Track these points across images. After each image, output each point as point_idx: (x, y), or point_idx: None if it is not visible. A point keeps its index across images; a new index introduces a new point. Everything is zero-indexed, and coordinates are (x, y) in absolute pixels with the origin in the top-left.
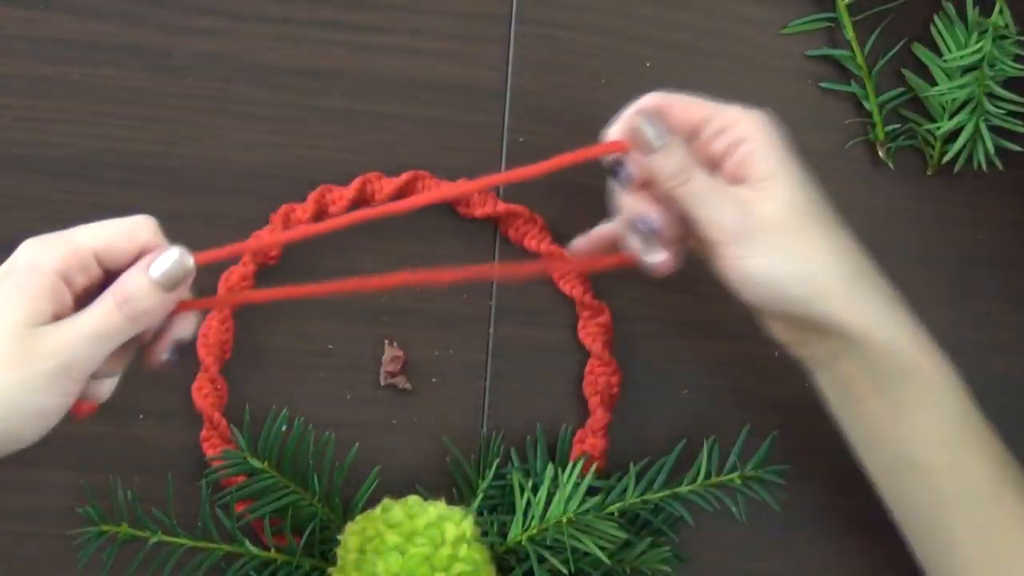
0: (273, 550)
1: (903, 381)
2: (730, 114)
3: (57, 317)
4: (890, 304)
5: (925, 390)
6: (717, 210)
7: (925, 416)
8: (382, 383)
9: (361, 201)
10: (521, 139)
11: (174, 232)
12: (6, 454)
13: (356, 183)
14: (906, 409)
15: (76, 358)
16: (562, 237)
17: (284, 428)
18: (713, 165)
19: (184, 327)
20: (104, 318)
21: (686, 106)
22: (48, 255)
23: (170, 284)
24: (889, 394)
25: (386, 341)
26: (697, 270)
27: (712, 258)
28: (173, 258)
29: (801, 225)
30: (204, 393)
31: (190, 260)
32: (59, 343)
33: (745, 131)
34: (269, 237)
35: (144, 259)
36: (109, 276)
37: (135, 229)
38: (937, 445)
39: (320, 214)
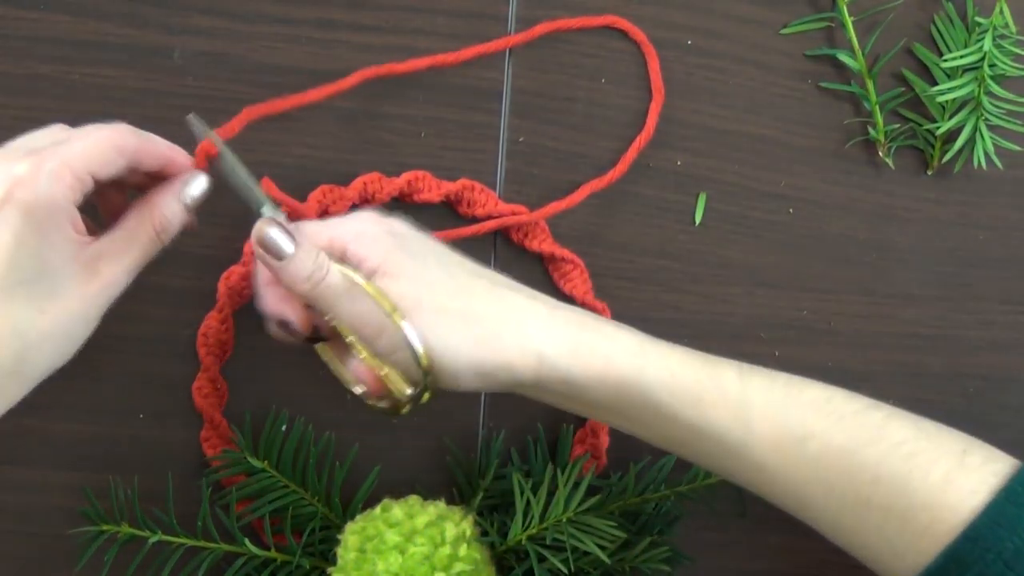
0: (273, 550)
1: (599, 401)
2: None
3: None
4: (554, 330)
5: (626, 403)
6: (359, 300)
7: (637, 419)
8: None
9: (362, 201)
10: (521, 139)
11: None
12: (42, 379)
13: (356, 184)
14: (618, 415)
15: (117, 285)
16: (561, 236)
17: (284, 428)
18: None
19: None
20: (142, 246)
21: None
22: (60, 186)
23: (197, 206)
24: (604, 412)
25: None
26: (697, 270)
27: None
28: (203, 186)
29: (423, 306)
30: (204, 393)
31: (210, 182)
32: (102, 276)
33: (344, 241)
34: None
35: (174, 186)
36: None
37: (120, 142)
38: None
39: (321, 215)
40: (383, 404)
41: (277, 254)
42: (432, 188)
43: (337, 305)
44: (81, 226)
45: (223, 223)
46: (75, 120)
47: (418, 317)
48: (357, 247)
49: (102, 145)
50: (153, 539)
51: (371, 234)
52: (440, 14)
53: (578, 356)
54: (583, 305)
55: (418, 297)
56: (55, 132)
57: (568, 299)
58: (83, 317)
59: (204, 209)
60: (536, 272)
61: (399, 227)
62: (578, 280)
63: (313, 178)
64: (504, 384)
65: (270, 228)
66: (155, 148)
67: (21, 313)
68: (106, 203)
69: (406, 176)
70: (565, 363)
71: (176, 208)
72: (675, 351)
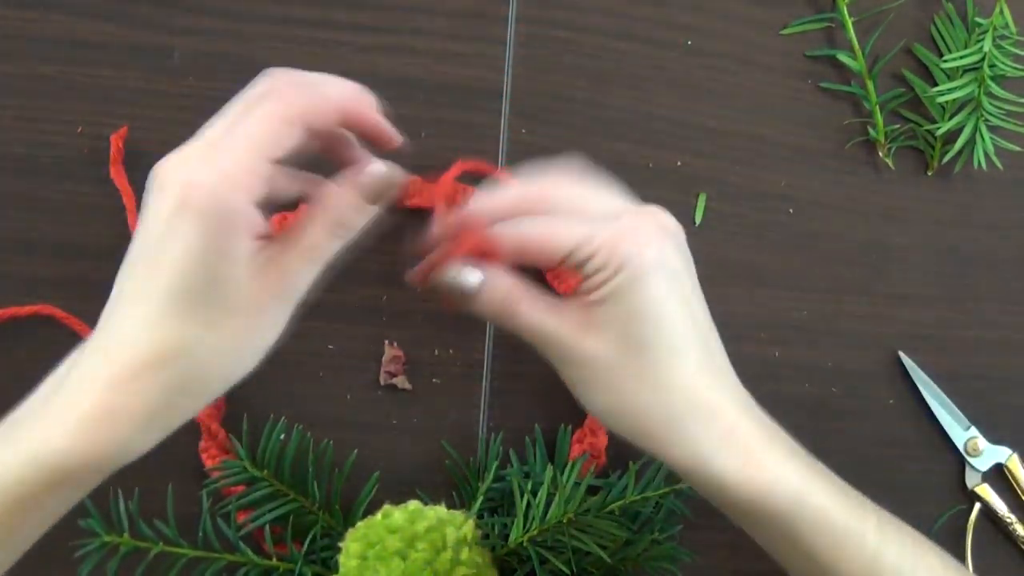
0: (275, 558)
1: (740, 513)
2: (596, 242)
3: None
4: (728, 438)
5: (767, 522)
6: (543, 345)
7: (774, 543)
8: (382, 383)
9: None
10: (521, 139)
11: None
12: (229, 387)
13: None
14: (756, 533)
15: (296, 292)
16: None
17: (282, 436)
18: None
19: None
20: (319, 246)
21: (546, 242)
22: (232, 188)
23: (380, 199)
24: (730, 512)
25: (386, 341)
26: (697, 271)
27: None
28: (380, 174)
29: (628, 362)
30: None
31: (398, 173)
32: (276, 286)
33: (603, 262)
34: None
35: (348, 177)
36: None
37: (291, 115)
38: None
39: None
40: None
41: (460, 299)
42: (424, 192)
43: (523, 338)
44: (260, 226)
45: None
46: (75, 120)
47: (607, 385)
48: (608, 247)
49: (268, 124)
50: (155, 550)
51: (645, 249)
52: (440, 14)
53: (744, 468)
54: None
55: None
56: (235, 110)
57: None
58: (257, 329)
59: None
60: (532, 273)
61: (681, 247)
62: (572, 281)
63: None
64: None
65: (455, 271)
66: (325, 105)
67: (189, 329)
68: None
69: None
70: (730, 468)
71: (352, 199)
72: (830, 485)
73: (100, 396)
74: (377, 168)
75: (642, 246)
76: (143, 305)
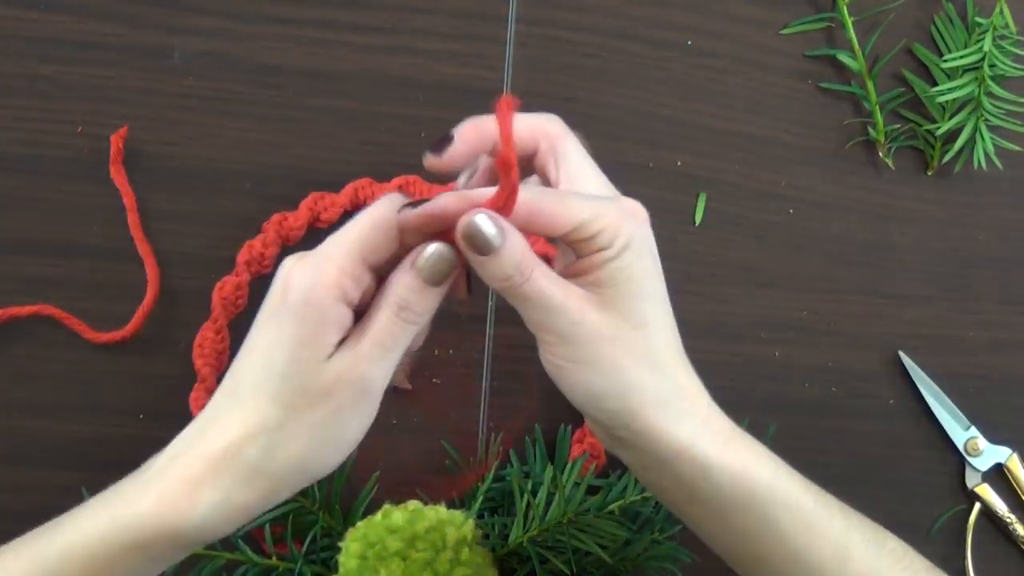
0: (275, 558)
1: (719, 498)
2: (604, 219)
3: (343, 336)
4: (708, 423)
5: (744, 505)
6: (547, 316)
7: (749, 529)
8: None
9: (353, 207)
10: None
11: (174, 232)
12: (313, 481)
13: (347, 190)
14: (730, 523)
15: (370, 380)
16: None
17: None
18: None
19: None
20: (385, 331)
21: (555, 211)
22: (322, 286)
23: (439, 279)
24: (704, 506)
25: None
26: (697, 270)
27: (538, 342)
28: (436, 254)
29: (628, 343)
30: (201, 404)
31: (450, 251)
32: (350, 373)
33: (609, 240)
34: None
35: (407, 260)
36: (379, 275)
37: (385, 220)
38: (770, 549)
39: (312, 221)
40: None
41: (481, 248)
42: (423, 192)
43: (524, 310)
44: (347, 323)
45: (223, 223)
46: (75, 120)
47: (612, 359)
48: (614, 225)
49: (362, 231)
50: None
51: (639, 231)
52: (440, 14)
53: (724, 450)
54: None
55: (632, 342)
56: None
57: None
58: (335, 419)
59: (205, 211)
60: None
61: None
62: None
63: (313, 178)
64: (631, 454)
65: (482, 217)
66: (424, 213)
67: (271, 413)
68: None
69: (397, 181)
70: (714, 450)
71: (410, 282)
72: (793, 474)
73: (184, 471)
74: (429, 249)
75: (640, 228)
76: (233, 390)
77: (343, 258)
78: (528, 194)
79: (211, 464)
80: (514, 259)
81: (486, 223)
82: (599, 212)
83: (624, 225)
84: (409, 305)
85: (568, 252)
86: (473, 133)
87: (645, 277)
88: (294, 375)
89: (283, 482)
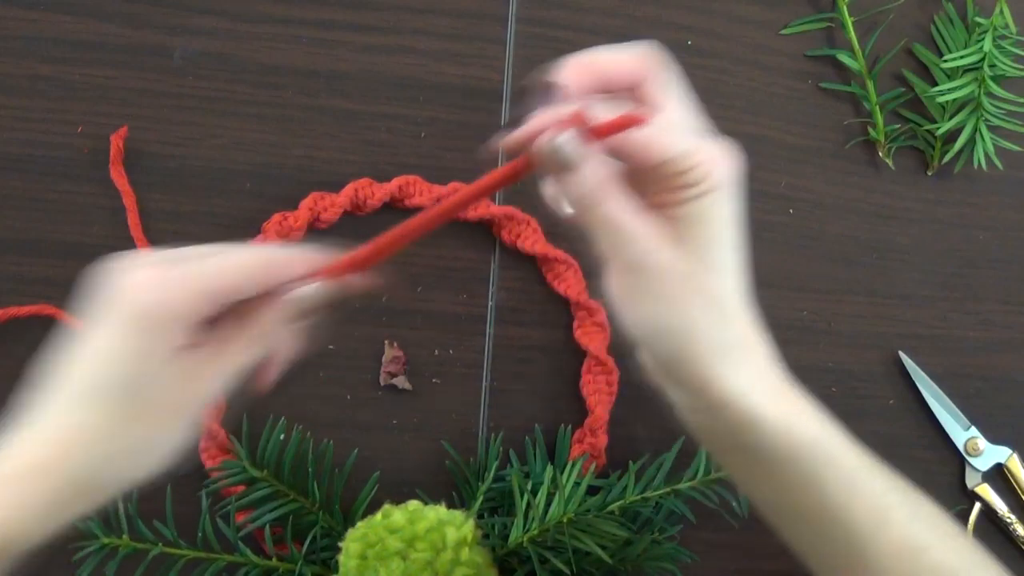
0: (275, 559)
1: (766, 449)
2: (700, 156)
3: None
4: (765, 374)
5: (790, 458)
6: (619, 244)
7: (790, 482)
8: (382, 383)
9: (353, 207)
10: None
11: (174, 231)
12: (130, 488)
13: (347, 190)
14: (772, 474)
15: (205, 396)
16: (554, 237)
17: (282, 436)
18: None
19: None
20: (244, 356)
21: (657, 136)
22: (171, 303)
23: (302, 318)
24: (748, 455)
25: (386, 341)
26: None
27: (604, 267)
28: (314, 294)
29: (699, 283)
30: None
31: (323, 295)
32: (188, 391)
33: (700, 177)
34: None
35: (279, 296)
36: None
37: (256, 271)
38: (809, 511)
39: (312, 221)
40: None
41: (559, 165)
42: (423, 192)
43: (596, 235)
44: (191, 338)
45: (223, 223)
46: (75, 120)
47: (676, 298)
48: (708, 163)
49: (236, 271)
50: (154, 551)
51: (731, 175)
52: (440, 14)
53: (776, 403)
54: (577, 304)
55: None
56: (205, 248)
57: (562, 299)
58: (168, 431)
59: (204, 211)
60: (531, 273)
61: None
62: (572, 280)
63: (313, 178)
64: (679, 395)
65: (566, 137)
66: (291, 272)
67: (101, 423)
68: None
69: (396, 181)
70: (765, 402)
71: (277, 317)
72: (839, 432)
73: (10, 472)
74: (306, 291)
75: (732, 172)
76: (66, 390)
77: (205, 282)
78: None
79: (37, 468)
80: (594, 178)
81: (569, 142)
82: (696, 148)
83: (718, 166)
84: (271, 334)
85: (654, 186)
86: (581, 72)
87: (728, 222)
88: (131, 387)
89: (103, 491)
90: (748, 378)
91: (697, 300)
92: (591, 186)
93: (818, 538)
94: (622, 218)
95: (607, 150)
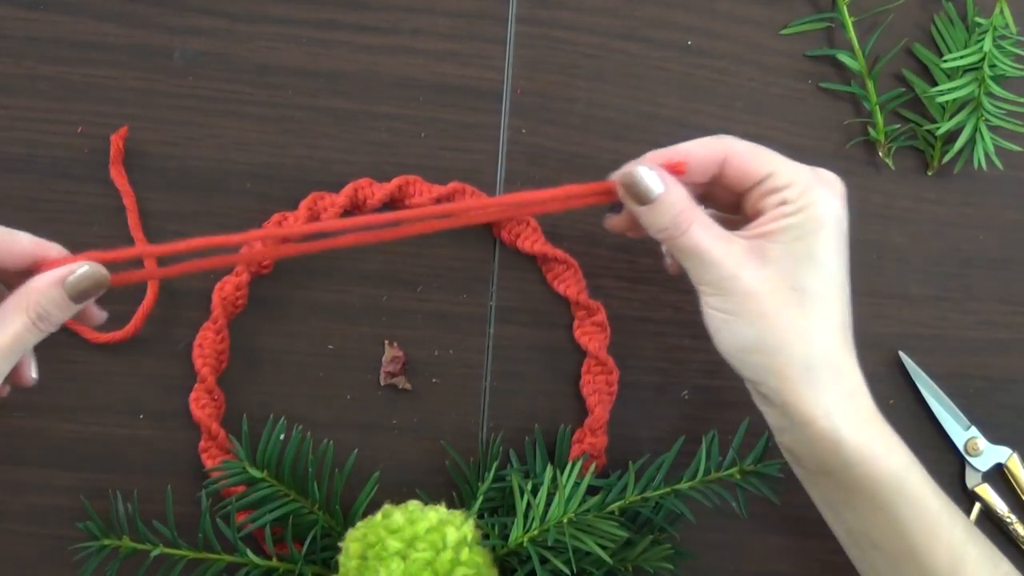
0: (275, 559)
1: (847, 475)
2: (796, 175)
3: None
4: (851, 399)
5: (871, 489)
6: (703, 269)
7: (871, 514)
8: (382, 383)
9: (353, 207)
10: (521, 139)
11: (174, 231)
12: None
13: (347, 190)
14: (853, 503)
15: None
16: (554, 237)
17: (282, 436)
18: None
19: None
20: (17, 338)
21: (751, 158)
22: None
23: (85, 298)
24: (831, 479)
25: (386, 341)
26: None
27: (698, 292)
28: (88, 275)
29: (784, 300)
30: (202, 404)
31: (105, 274)
32: None
33: (793, 196)
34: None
35: (56, 273)
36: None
37: (14, 239)
38: (886, 536)
39: (312, 221)
40: None
41: (639, 197)
42: (423, 192)
43: (683, 261)
44: None
45: (223, 223)
46: (75, 120)
47: (761, 318)
48: (804, 183)
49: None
50: (155, 552)
51: (828, 198)
52: (440, 14)
53: (860, 429)
54: (576, 304)
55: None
56: None
57: (562, 299)
58: None
59: (204, 211)
60: (531, 273)
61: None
62: (571, 280)
63: (313, 178)
64: (767, 410)
65: (643, 168)
66: (17, 247)
67: None
68: None
69: (396, 181)
70: (849, 426)
71: (56, 296)
72: (926, 474)
73: None
74: (84, 268)
75: (831, 196)
76: None
77: None
78: (721, 140)
79: None
80: (672, 211)
81: (647, 174)
82: (792, 168)
83: (815, 188)
84: (48, 316)
85: (751, 208)
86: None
87: (820, 245)
88: None
89: None
90: (833, 400)
91: (779, 319)
92: (672, 215)
93: (892, 571)
94: (703, 244)
95: (707, 168)
